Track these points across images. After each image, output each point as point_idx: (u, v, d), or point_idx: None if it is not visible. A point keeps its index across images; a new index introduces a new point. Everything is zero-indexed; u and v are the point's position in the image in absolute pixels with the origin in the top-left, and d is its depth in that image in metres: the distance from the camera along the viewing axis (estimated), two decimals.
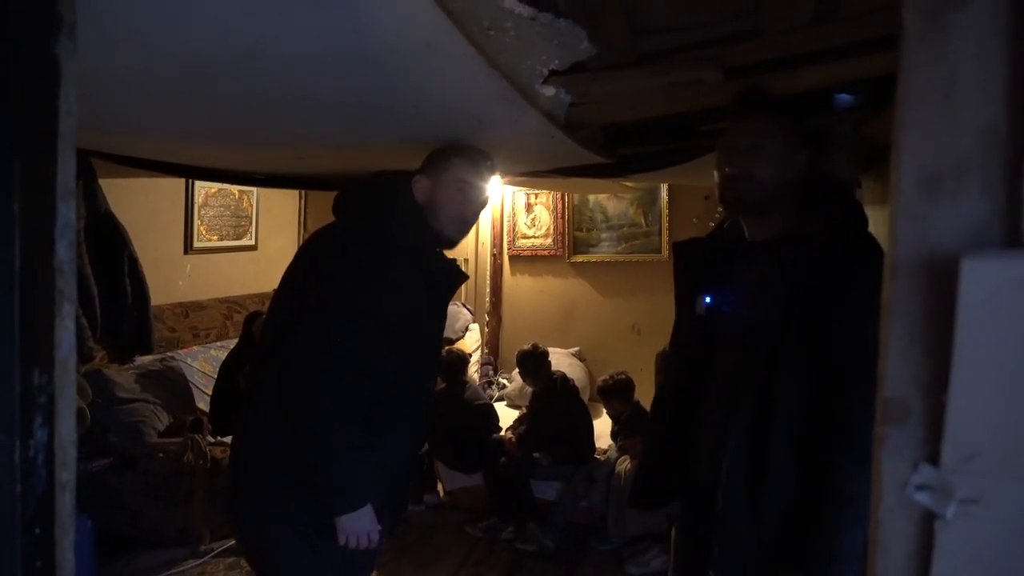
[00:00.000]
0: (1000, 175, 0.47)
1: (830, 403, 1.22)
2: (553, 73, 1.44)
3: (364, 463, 1.45)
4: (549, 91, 1.49)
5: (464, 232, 1.70)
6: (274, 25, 1.08)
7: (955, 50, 0.48)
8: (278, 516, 1.51)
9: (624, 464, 3.25)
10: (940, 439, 0.48)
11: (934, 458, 0.48)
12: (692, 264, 1.59)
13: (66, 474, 0.74)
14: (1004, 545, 0.47)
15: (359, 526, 1.45)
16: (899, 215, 0.49)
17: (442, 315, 1.74)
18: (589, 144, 1.86)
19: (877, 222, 2.56)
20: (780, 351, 1.29)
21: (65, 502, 0.73)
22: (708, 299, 1.52)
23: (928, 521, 0.49)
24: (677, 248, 1.65)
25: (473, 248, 5.18)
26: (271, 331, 1.64)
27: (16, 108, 0.61)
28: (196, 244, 4.32)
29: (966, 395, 0.46)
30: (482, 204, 1.71)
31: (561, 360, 4.59)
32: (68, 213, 0.71)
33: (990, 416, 0.46)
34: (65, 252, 0.71)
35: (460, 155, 1.64)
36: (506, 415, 4.18)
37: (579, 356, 4.79)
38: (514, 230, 5.11)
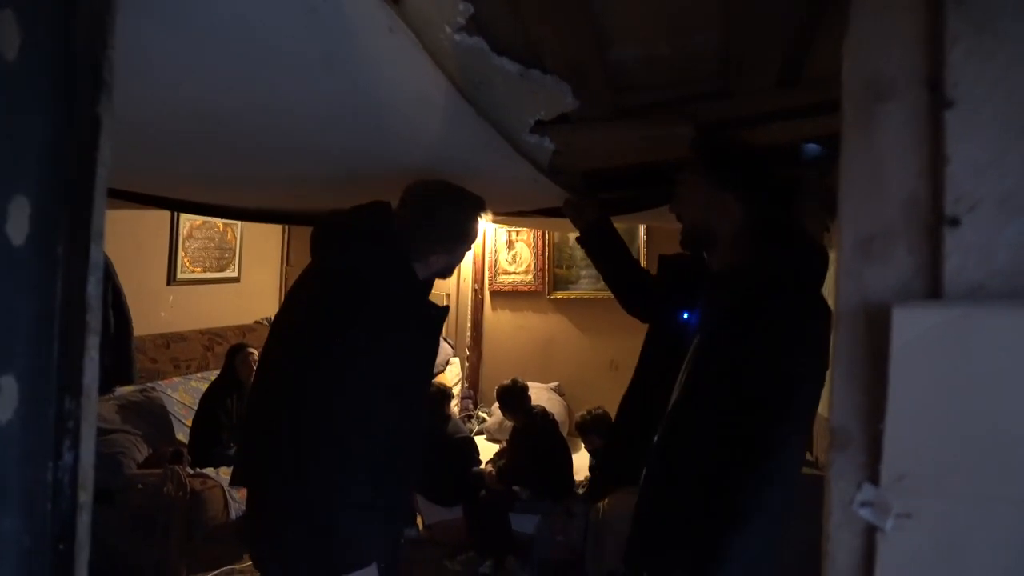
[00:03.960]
0: (921, 238, 0.56)
1: (738, 428, 1.29)
2: (538, 123, 1.54)
3: (373, 520, 1.46)
4: (534, 140, 1.58)
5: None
6: (282, 81, 1.16)
7: (880, 135, 0.57)
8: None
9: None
10: (878, 462, 0.56)
11: (875, 479, 0.56)
12: (674, 278, 1.67)
13: (84, 495, 0.79)
14: (932, 554, 0.55)
15: None
16: (840, 272, 0.57)
17: (433, 358, 1.76)
18: (570, 188, 1.96)
19: None
20: (700, 372, 1.39)
21: (83, 521, 0.79)
22: (685, 315, 1.62)
23: (870, 534, 0.57)
24: (662, 260, 1.75)
25: (455, 283, 5.25)
26: (271, 382, 1.59)
27: (67, 163, 0.68)
28: (179, 275, 4.34)
29: (898, 423, 0.54)
30: None
31: (540, 395, 4.64)
32: (98, 254, 0.77)
33: (918, 441, 0.54)
34: (94, 289, 0.78)
35: (474, 221, 1.63)
36: (486, 449, 4.21)
37: (558, 391, 4.84)
38: (495, 266, 5.19)
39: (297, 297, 1.59)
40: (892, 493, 0.55)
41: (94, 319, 0.78)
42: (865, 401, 0.56)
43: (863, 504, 0.57)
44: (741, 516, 1.25)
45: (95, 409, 0.81)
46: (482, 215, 1.69)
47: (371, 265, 1.53)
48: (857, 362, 0.57)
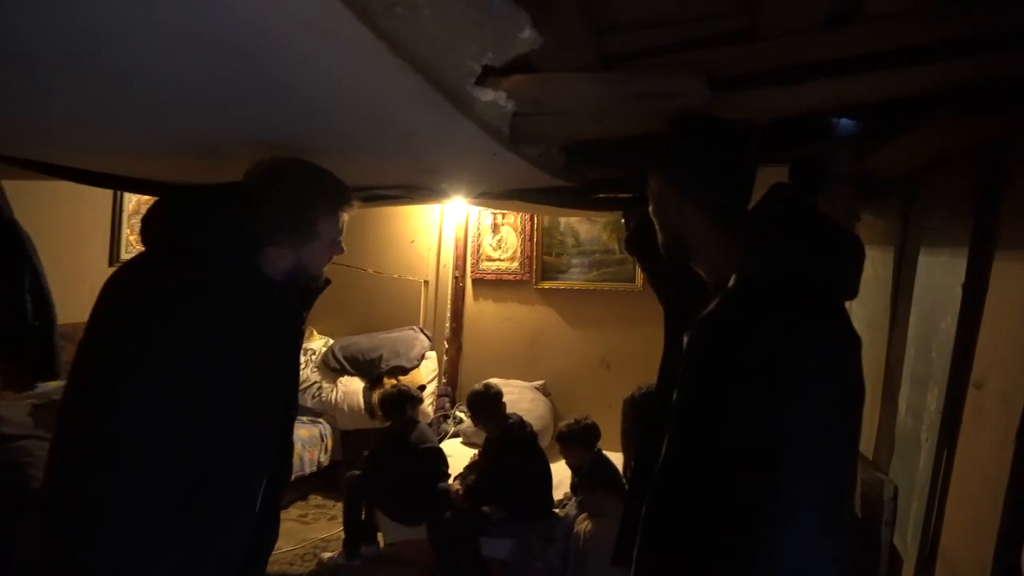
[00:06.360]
0: None
1: (724, 502, 1.01)
2: (490, 72, 1.11)
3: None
4: (486, 95, 1.16)
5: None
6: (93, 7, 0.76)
7: None
8: None
9: (584, 523, 2.91)
10: None
11: None
12: (684, 291, 1.36)
13: None
14: None
15: None
16: None
17: (288, 370, 1.42)
18: (545, 165, 1.53)
19: (876, 264, 2.28)
20: (684, 422, 1.10)
21: None
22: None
23: None
24: (669, 269, 1.43)
25: (434, 270, 4.85)
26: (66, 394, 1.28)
27: None
28: (124, 255, 3.94)
29: None
30: None
31: (524, 394, 4.26)
32: None
33: None
34: None
35: (324, 212, 1.30)
36: (461, 454, 3.83)
37: (543, 390, 4.46)
38: (478, 251, 4.79)
39: (108, 295, 1.24)
40: None
41: None
42: None
43: None
44: None
45: None
46: (343, 211, 1.33)
47: (206, 256, 1.22)
48: None
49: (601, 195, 2.13)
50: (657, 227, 1.23)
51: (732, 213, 1.15)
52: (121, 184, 2.49)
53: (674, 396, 1.14)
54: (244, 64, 0.95)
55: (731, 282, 1.06)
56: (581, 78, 1.16)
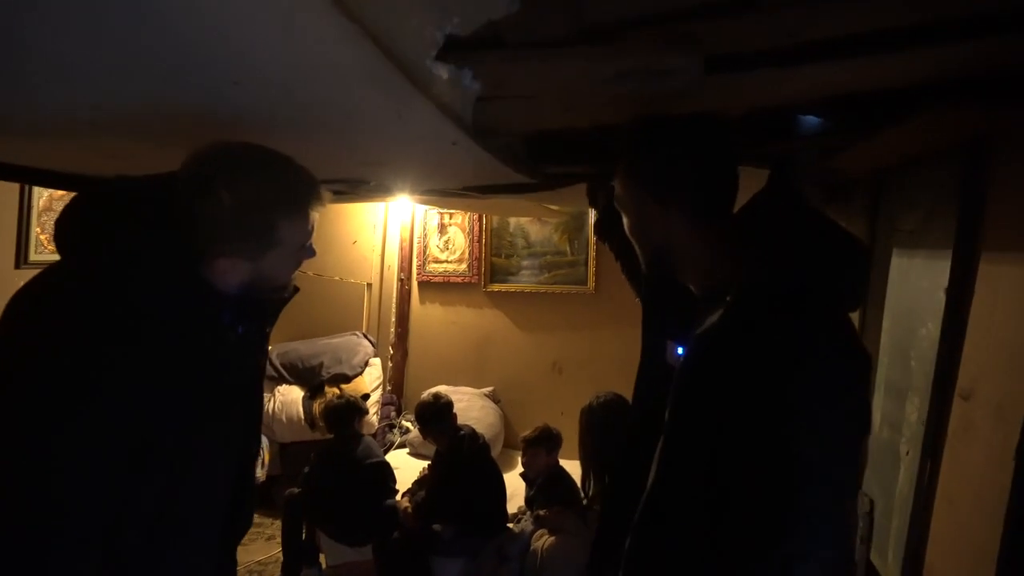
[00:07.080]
0: None
1: (726, 519, 0.91)
2: (453, 44, 0.95)
3: None
4: (447, 73, 0.99)
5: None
6: None
7: None
8: None
9: (542, 540, 2.76)
10: None
11: None
12: (665, 299, 1.27)
13: None
14: None
15: None
16: None
17: (250, 407, 1.24)
18: (505, 157, 1.37)
19: None
20: (675, 444, 1.02)
21: None
22: (680, 349, 1.20)
23: None
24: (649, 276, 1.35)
25: (378, 272, 4.64)
26: None
27: None
28: (33, 256, 3.60)
29: None
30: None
31: (473, 402, 4.11)
32: None
33: None
34: None
35: (287, 215, 1.07)
36: (409, 466, 3.64)
37: (493, 397, 4.32)
38: (425, 253, 4.61)
39: (19, 319, 0.99)
40: None
41: None
42: None
43: None
44: None
45: None
46: (311, 210, 1.11)
47: (138, 271, 1.00)
48: None
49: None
50: (637, 243, 1.11)
51: (721, 217, 1.06)
52: (29, 176, 2.21)
53: (666, 416, 1.02)
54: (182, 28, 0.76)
55: (733, 294, 0.95)
56: (555, 53, 1.01)
